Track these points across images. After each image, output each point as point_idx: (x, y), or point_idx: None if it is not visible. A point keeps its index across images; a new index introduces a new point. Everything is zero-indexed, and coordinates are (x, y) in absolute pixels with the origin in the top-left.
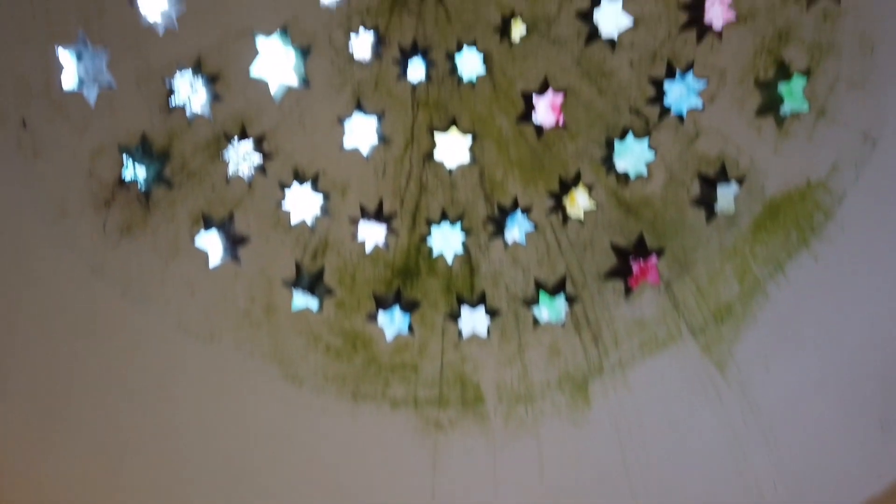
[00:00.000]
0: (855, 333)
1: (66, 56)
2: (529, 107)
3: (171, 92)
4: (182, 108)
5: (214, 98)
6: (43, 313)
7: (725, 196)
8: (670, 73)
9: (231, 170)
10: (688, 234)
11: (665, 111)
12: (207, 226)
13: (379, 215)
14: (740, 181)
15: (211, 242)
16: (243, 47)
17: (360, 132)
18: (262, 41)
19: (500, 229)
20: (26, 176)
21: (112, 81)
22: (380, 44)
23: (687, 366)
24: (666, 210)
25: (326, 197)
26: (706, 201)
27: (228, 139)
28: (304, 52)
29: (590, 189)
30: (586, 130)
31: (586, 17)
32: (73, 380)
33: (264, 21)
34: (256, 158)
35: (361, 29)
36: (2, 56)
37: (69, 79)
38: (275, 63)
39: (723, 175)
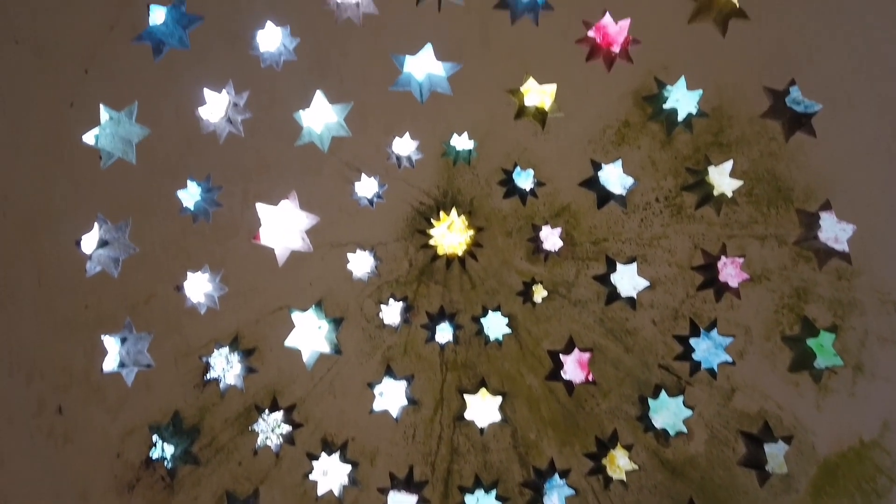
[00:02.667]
0: None
1: (110, 342)
2: (557, 364)
3: (207, 367)
4: (216, 382)
5: (248, 371)
6: None
7: (775, 456)
8: (695, 331)
9: (260, 441)
10: (741, 499)
11: (695, 367)
12: None
13: (409, 484)
14: (787, 440)
15: None
16: (279, 321)
17: (390, 396)
18: (297, 316)
19: (538, 495)
20: (53, 463)
21: (151, 362)
22: (408, 311)
23: None
24: (713, 471)
25: (355, 466)
26: (755, 461)
27: (259, 411)
28: (337, 322)
29: (629, 449)
30: (617, 388)
31: (603, 280)
32: None
33: (301, 297)
34: (286, 429)
35: (391, 299)
36: (48, 347)
37: (110, 363)
38: (308, 334)
39: (767, 433)
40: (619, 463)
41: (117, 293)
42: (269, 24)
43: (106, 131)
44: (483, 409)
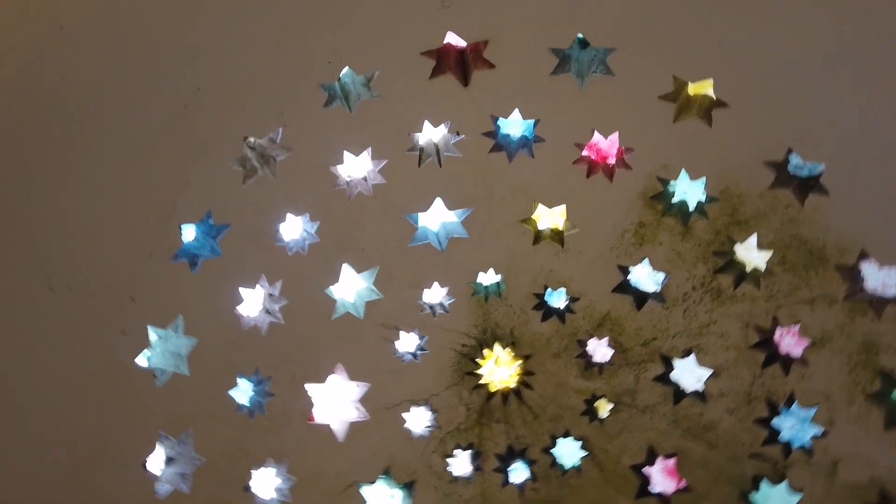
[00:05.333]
0: None
1: None
2: (644, 479)
3: None
4: None
5: None
6: None
7: None
8: (774, 410)
9: None
10: None
11: (787, 447)
12: None
13: None
14: None
15: None
16: (351, 499)
17: None
18: (367, 490)
19: None
20: None
21: None
22: (477, 457)
23: None
24: None
25: None
26: None
27: None
28: (409, 486)
29: None
30: (714, 488)
31: (664, 379)
32: None
33: (366, 469)
34: None
35: (457, 449)
36: None
37: None
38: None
39: (888, 501)
40: None
41: None
42: (288, 216)
43: (157, 350)
44: None
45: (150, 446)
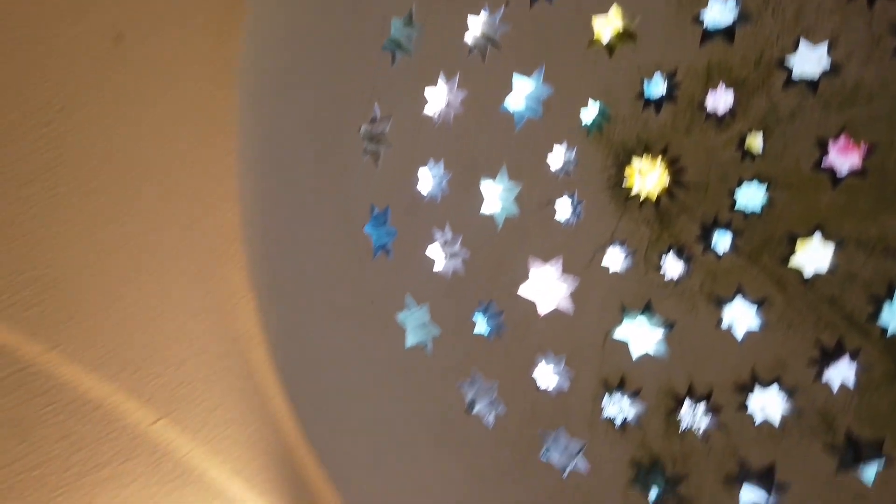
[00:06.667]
0: None
1: None
2: (832, 173)
3: None
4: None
5: None
6: None
7: None
8: None
9: None
10: None
11: None
12: None
13: None
14: None
15: None
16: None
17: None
18: (624, 329)
19: None
20: None
21: None
22: (681, 252)
23: None
24: None
25: None
26: None
27: None
28: (648, 308)
29: None
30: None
31: (791, 82)
32: None
33: (602, 324)
34: None
35: (662, 260)
36: None
37: None
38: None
39: None
40: None
41: None
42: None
43: (410, 329)
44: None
45: None
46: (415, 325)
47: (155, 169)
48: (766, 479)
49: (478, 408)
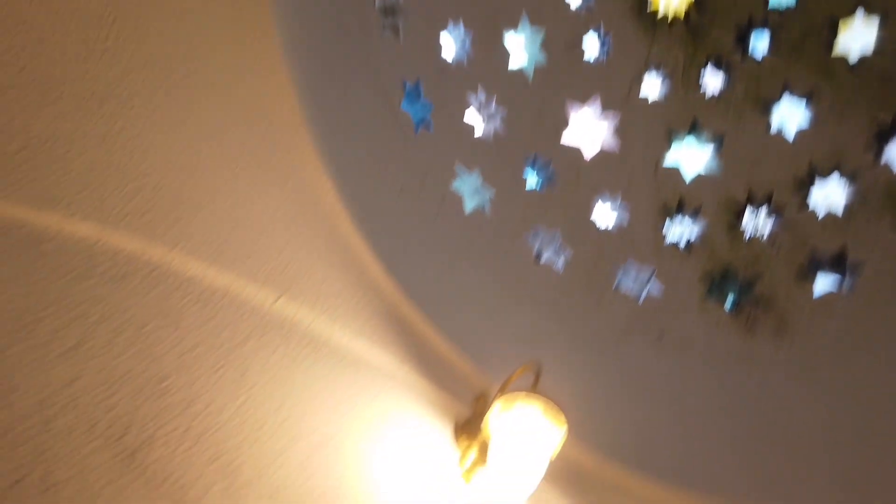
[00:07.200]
0: None
1: None
2: None
3: None
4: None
5: None
6: None
7: None
8: None
9: None
10: None
11: None
12: None
13: None
14: None
15: None
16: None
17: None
18: (675, 154)
19: None
20: None
21: None
22: (720, 63)
23: None
24: None
25: None
26: None
27: None
28: (694, 128)
29: None
30: None
31: None
32: None
33: (650, 151)
34: None
35: (701, 80)
36: None
37: None
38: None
39: None
40: None
41: None
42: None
43: (466, 196)
44: None
45: None
46: (470, 191)
47: (214, 72)
48: (838, 263)
49: (545, 256)
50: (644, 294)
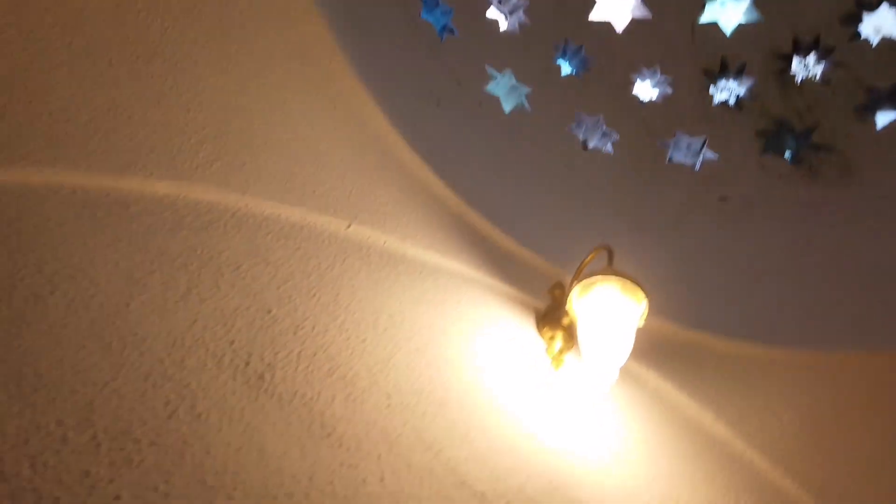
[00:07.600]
0: None
1: None
2: None
3: None
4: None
5: None
6: None
7: None
8: None
9: None
10: None
11: None
12: None
13: None
14: None
15: None
16: None
17: None
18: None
19: None
20: None
21: None
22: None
23: None
24: None
25: None
26: None
27: None
28: None
29: None
30: None
31: None
32: None
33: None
34: None
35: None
36: None
37: None
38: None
39: None
40: None
41: None
42: None
43: (503, 97)
44: None
45: None
46: (505, 91)
47: (244, 16)
48: None
49: (592, 143)
50: (700, 162)
